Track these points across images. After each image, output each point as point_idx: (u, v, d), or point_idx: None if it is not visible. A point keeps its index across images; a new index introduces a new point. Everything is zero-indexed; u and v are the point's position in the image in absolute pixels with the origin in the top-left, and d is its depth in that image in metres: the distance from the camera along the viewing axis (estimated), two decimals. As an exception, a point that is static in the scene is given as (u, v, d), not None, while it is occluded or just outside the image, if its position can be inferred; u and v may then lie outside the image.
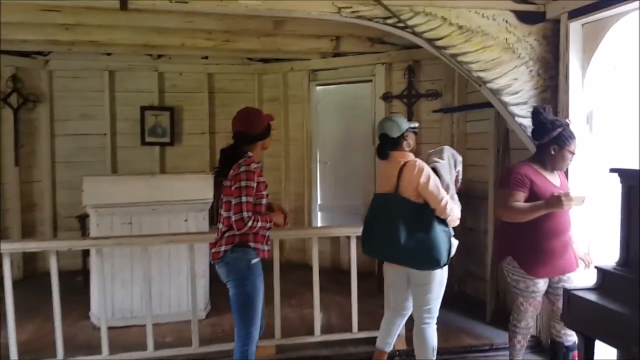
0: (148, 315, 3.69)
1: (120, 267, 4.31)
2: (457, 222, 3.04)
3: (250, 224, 2.77)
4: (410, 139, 3.12)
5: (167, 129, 6.42)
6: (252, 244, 2.89)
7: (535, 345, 3.84)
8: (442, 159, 3.14)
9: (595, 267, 2.59)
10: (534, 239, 3.03)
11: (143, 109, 6.38)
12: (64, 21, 4.54)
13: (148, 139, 6.40)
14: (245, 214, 2.76)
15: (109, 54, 6.20)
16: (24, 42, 5.35)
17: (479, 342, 3.99)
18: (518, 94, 3.77)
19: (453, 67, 5.13)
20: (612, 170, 2.49)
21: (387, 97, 5.81)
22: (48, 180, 6.21)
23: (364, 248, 3.19)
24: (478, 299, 4.84)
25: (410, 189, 2.95)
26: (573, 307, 2.47)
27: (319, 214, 6.53)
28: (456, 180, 3.17)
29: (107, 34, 4.98)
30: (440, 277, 3.04)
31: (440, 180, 3.02)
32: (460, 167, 3.20)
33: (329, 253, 6.19)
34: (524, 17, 3.72)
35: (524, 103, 3.77)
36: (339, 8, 3.55)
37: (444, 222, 2.97)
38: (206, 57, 6.46)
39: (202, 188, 4.37)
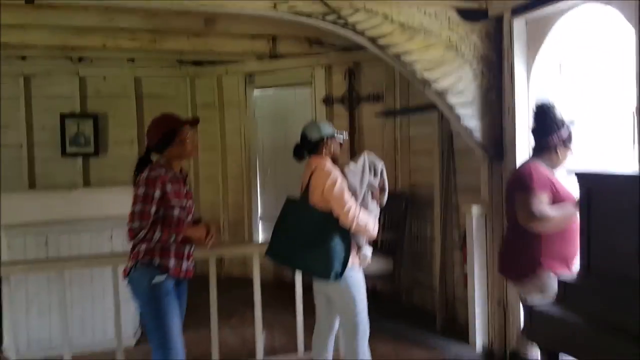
0: (65, 345, 3.30)
1: (35, 294, 3.85)
2: (370, 232, 2.85)
3: (142, 235, 2.51)
4: (333, 147, 2.97)
5: (90, 138, 5.89)
6: (157, 261, 2.60)
7: (489, 356, 3.70)
8: (355, 165, 2.95)
9: (557, 279, 2.43)
10: (572, 248, 2.70)
11: (63, 116, 5.83)
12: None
13: (69, 150, 5.85)
14: (135, 224, 2.50)
15: (23, 58, 5.64)
16: None
17: (432, 355, 3.80)
18: (463, 94, 3.62)
19: (395, 69, 5.08)
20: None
21: (327, 101, 5.59)
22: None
23: (266, 251, 3.03)
24: (426, 309, 4.68)
25: (317, 194, 2.82)
26: (535, 322, 2.30)
27: (261, 225, 6.21)
28: (382, 189, 3.00)
29: (19, 35, 4.46)
30: (352, 289, 2.85)
31: (350, 187, 2.84)
32: (383, 175, 3.02)
33: (271, 265, 5.87)
34: (467, 15, 3.59)
35: (470, 103, 3.64)
36: (275, 3, 3.27)
37: (346, 232, 2.80)
38: (132, 60, 5.99)
39: (128, 201, 3.95)
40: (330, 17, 3.39)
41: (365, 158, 2.96)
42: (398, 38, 3.50)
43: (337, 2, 3.37)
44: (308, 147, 2.96)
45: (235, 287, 5.17)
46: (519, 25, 3.40)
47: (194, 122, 2.84)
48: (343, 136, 3.05)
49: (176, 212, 2.65)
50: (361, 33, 3.46)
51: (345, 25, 3.42)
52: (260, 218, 6.22)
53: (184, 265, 2.70)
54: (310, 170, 2.92)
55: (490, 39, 3.62)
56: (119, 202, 3.93)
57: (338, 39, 5.30)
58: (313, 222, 2.82)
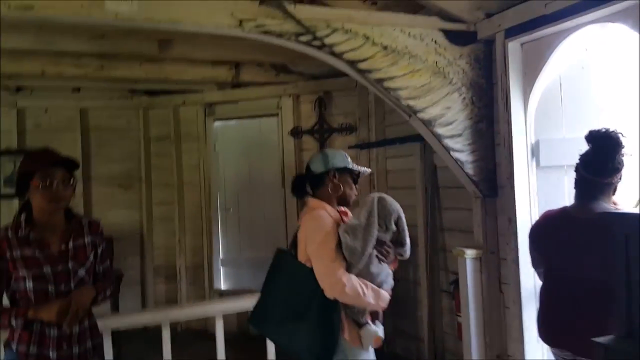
0: None
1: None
2: (368, 303, 2.25)
3: None
4: (342, 184, 2.42)
5: (29, 177, 5.23)
6: (13, 345, 2.11)
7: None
8: (357, 219, 2.32)
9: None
10: None
11: (-3, 153, 5.18)
12: None
13: (4, 191, 5.17)
14: None
15: (-51, 88, 4.99)
16: None
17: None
18: (452, 124, 3.25)
19: (369, 98, 4.71)
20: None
21: (296, 133, 5.15)
22: None
23: (249, 318, 2.47)
24: (411, 360, 4.20)
25: (301, 249, 2.32)
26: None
27: (222, 270, 5.63)
28: (398, 243, 2.39)
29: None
30: None
31: (343, 246, 2.26)
32: (401, 226, 2.40)
33: (234, 316, 5.28)
34: (454, 38, 3.25)
35: (459, 135, 3.27)
36: (240, 21, 2.84)
37: (338, 309, 2.24)
38: (78, 90, 5.43)
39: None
40: (305, 38, 2.98)
41: (373, 207, 2.33)
42: (380, 62, 3.12)
43: (312, 22, 2.97)
44: (311, 182, 2.44)
45: (194, 341, 4.57)
46: (513, 49, 3.07)
47: (62, 163, 2.19)
48: (362, 170, 2.50)
49: (29, 284, 2.08)
50: (339, 56, 3.06)
51: (322, 47, 3.02)
52: (222, 263, 5.64)
53: (51, 355, 2.09)
54: (303, 214, 2.41)
55: (480, 64, 3.29)
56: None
57: (307, 66, 4.94)
58: (299, 284, 2.27)
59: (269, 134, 5.40)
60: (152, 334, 2.37)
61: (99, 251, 2.30)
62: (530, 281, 3.08)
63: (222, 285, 5.60)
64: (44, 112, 5.41)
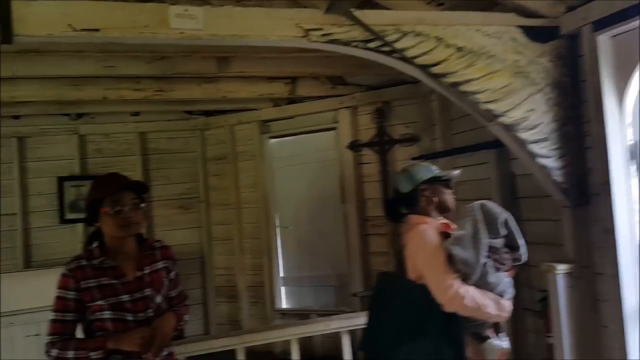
0: None
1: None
2: (489, 315, 2.12)
3: (47, 352, 1.98)
4: (433, 194, 2.31)
5: (91, 202, 5.27)
6: None
7: None
8: (462, 230, 2.21)
9: None
10: None
11: (61, 179, 5.25)
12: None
13: (68, 216, 5.24)
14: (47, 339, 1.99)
15: (17, 117, 5.10)
16: None
17: None
18: (536, 128, 2.99)
19: (432, 106, 4.49)
20: None
21: (354, 146, 4.98)
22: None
23: (359, 346, 2.44)
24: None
25: (410, 267, 2.24)
26: None
27: (283, 289, 5.49)
28: (511, 247, 2.23)
29: (7, 90, 3.92)
30: None
31: (451, 258, 2.13)
32: (510, 229, 2.24)
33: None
34: (534, 34, 3.00)
35: (545, 139, 3.00)
36: (306, 31, 2.71)
37: (457, 316, 2.11)
38: (137, 114, 5.46)
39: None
40: (373, 44, 2.81)
41: (476, 214, 2.20)
42: (455, 65, 2.91)
43: (380, 27, 2.81)
44: (404, 202, 2.35)
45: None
46: (604, 43, 2.79)
47: (131, 187, 2.11)
48: (452, 175, 2.38)
49: (106, 314, 1.99)
50: (411, 61, 2.87)
51: (392, 52, 2.84)
52: (283, 281, 5.50)
53: None
54: (406, 233, 2.30)
55: (563, 62, 3.02)
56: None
57: (365, 76, 4.78)
58: (412, 302, 2.18)
59: (327, 148, 5.25)
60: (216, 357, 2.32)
61: (172, 276, 2.22)
62: (633, 298, 2.77)
63: (284, 304, 5.45)
64: (105, 137, 5.47)
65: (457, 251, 2.11)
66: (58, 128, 5.30)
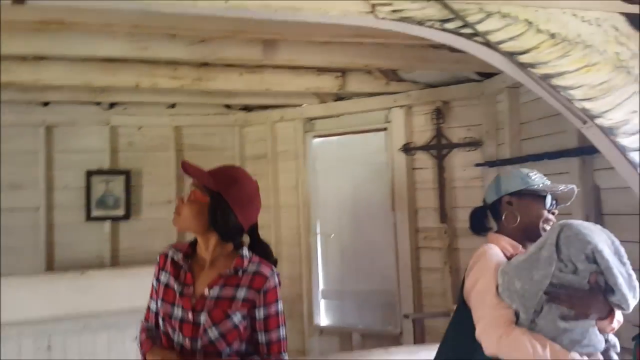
0: None
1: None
2: None
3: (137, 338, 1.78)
4: (519, 210, 1.89)
5: (120, 199, 4.93)
6: None
7: None
8: (529, 252, 1.77)
9: None
10: None
11: (90, 173, 4.90)
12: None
13: (95, 213, 4.89)
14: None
15: (45, 104, 4.81)
16: None
17: None
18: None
19: (500, 108, 3.91)
20: None
21: (408, 149, 4.49)
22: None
23: None
24: None
25: (465, 288, 1.91)
26: None
27: (323, 302, 5.03)
28: (608, 288, 1.68)
29: (32, 72, 3.61)
30: None
31: (500, 288, 1.75)
32: (603, 266, 1.67)
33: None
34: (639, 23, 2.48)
35: (653, 146, 2.46)
36: (373, 6, 2.25)
37: None
38: (173, 106, 5.11)
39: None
40: (452, 25, 2.33)
41: (550, 236, 1.72)
42: (547, 54, 2.40)
43: (461, 4, 2.34)
44: (491, 214, 2.01)
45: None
46: None
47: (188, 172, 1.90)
48: (556, 189, 1.93)
49: (172, 309, 1.70)
50: (495, 46, 2.38)
51: (473, 35, 2.36)
52: (323, 294, 5.04)
53: None
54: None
55: (680, 54, 2.48)
56: (145, 288, 2.92)
57: (422, 74, 4.30)
58: (463, 327, 1.83)
59: (376, 151, 4.77)
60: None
61: (260, 315, 1.69)
62: None
63: (323, 320, 4.99)
64: (138, 129, 5.11)
65: (504, 280, 1.74)
66: (89, 118, 4.97)
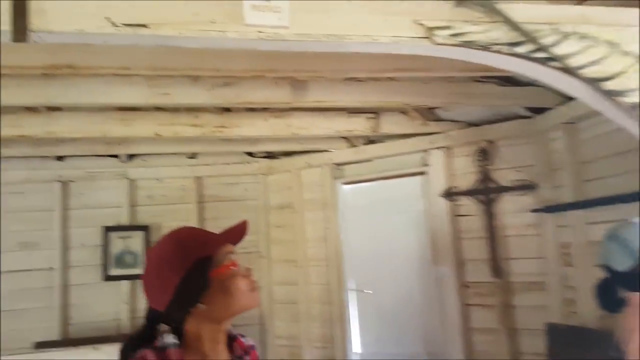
0: None
1: None
2: None
3: None
4: None
5: (139, 256, 4.58)
6: None
7: None
8: None
9: None
10: None
11: (107, 230, 4.59)
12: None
13: (113, 272, 4.54)
14: None
15: (60, 158, 4.55)
16: None
17: None
18: None
19: (556, 146, 3.50)
20: None
21: (450, 194, 4.09)
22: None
23: None
24: None
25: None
26: None
27: (359, 367, 4.54)
28: None
29: (44, 124, 3.35)
30: None
31: None
32: None
33: None
34: None
35: None
36: (429, 29, 1.93)
37: None
38: (193, 156, 4.81)
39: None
40: (522, 49, 2.01)
41: None
42: (635, 80, 2.06)
43: (532, 25, 2.00)
44: (620, 283, 1.69)
45: None
46: None
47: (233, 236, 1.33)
48: None
49: None
50: (573, 72, 2.03)
51: (549, 60, 2.01)
52: (358, 359, 4.55)
53: None
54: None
55: None
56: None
57: (463, 113, 3.95)
58: None
59: (412, 197, 4.38)
60: None
61: None
62: None
63: (359, 389, 4.49)
64: (157, 182, 4.81)
65: None
66: (106, 172, 4.69)
